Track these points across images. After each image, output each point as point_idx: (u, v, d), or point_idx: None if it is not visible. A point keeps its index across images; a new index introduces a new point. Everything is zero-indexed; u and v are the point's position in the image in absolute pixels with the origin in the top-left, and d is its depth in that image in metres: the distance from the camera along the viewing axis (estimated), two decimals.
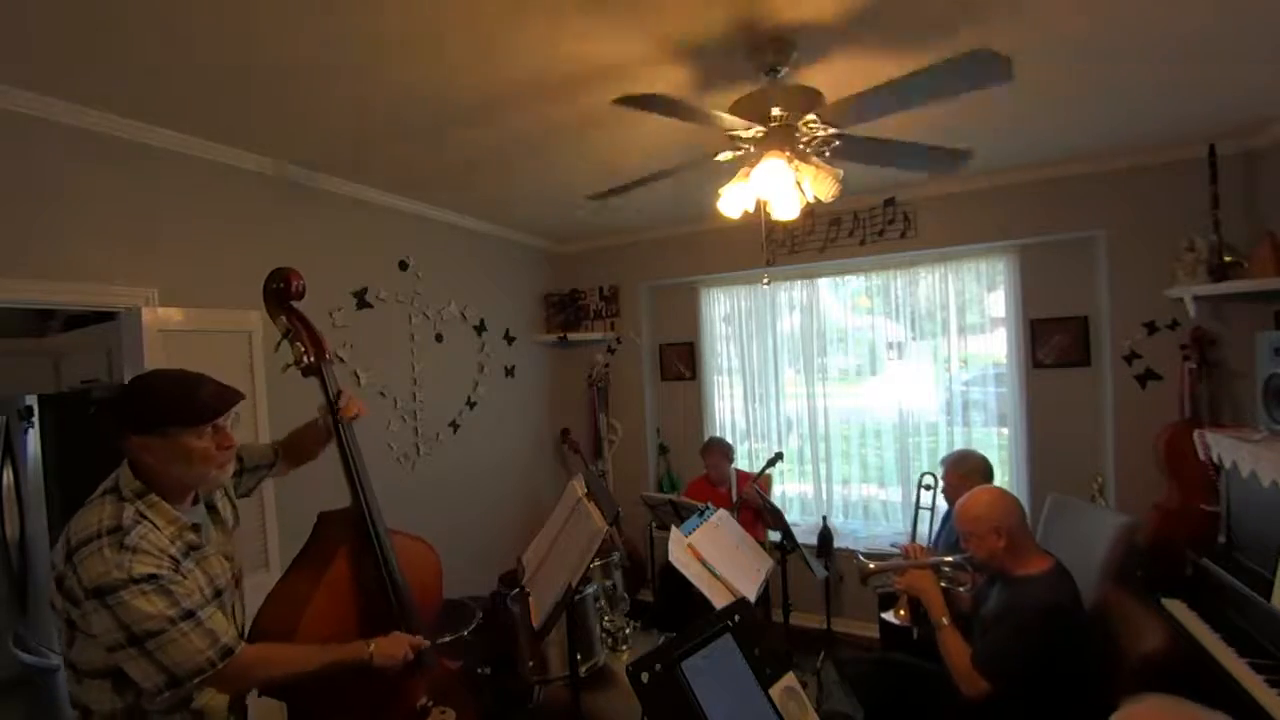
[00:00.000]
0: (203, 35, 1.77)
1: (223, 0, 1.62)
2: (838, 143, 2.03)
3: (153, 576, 1.26)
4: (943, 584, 2.21)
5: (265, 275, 1.68)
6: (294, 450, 1.81)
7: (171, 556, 1.30)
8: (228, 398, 1.41)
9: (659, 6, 1.75)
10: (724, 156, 2.12)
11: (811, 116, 1.92)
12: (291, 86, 2.10)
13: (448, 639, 2.53)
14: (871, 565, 2.35)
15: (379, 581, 1.63)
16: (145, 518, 1.30)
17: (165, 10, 1.64)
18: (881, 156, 2.22)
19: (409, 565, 1.71)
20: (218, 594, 1.40)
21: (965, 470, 2.91)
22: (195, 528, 1.40)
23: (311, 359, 1.65)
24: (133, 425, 1.32)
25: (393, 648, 1.53)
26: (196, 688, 1.30)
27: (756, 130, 1.97)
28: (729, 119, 1.89)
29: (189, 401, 1.34)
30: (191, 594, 1.30)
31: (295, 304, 1.67)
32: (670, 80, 2.15)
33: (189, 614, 1.28)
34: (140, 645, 1.23)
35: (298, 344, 1.65)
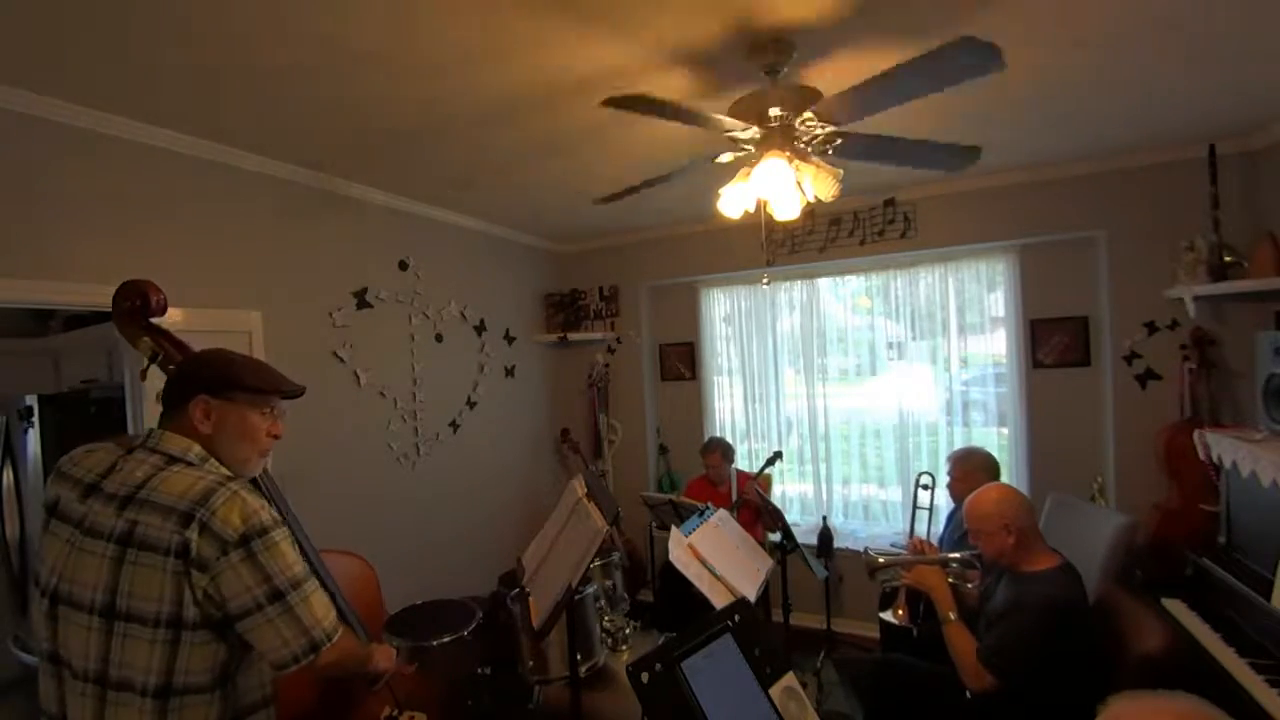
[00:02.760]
0: (204, 35, 1.77)
1: (224, 1, 1.62)
2: (840, 141, 2.03)
3: (284, 524, 1.23)
4: (950, 580, 2.22)
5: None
6: None
7: None
8: (294, 385, 1.43)
9: (652, 16, 1.78)
10: (726, 158, 2.12)
11: (809, 114, 1.92)
12: (293, 88, 2.10)
13: (448, 639, 2.53)
14: (881, 560, 2.37)
15: None
16: None
17: (166, 10, 1.64)
18: (887, 154, 2.21)
19: (346, 584, 1.64)
20: None
21: (971, 466, 2.92)
22: None
23: None
24: (204, 384, 1.30)
25: (387, 653, 1.55)
26: (317, 658, 1.21)
27: (754, 131, 1.97)
28: (727, 120, 1.90)
29: (262, 373, 1.37)
30: None
31: (156, 320, 1.51)
32: (672, 84, 2.16)
33: (307, 571, 1.25)
34: (283, 600, 1.16)
35: (171, 367, 1.48)
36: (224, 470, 1.28)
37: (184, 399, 1.30)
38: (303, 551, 1.52)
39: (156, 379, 1.44)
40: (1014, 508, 2.09)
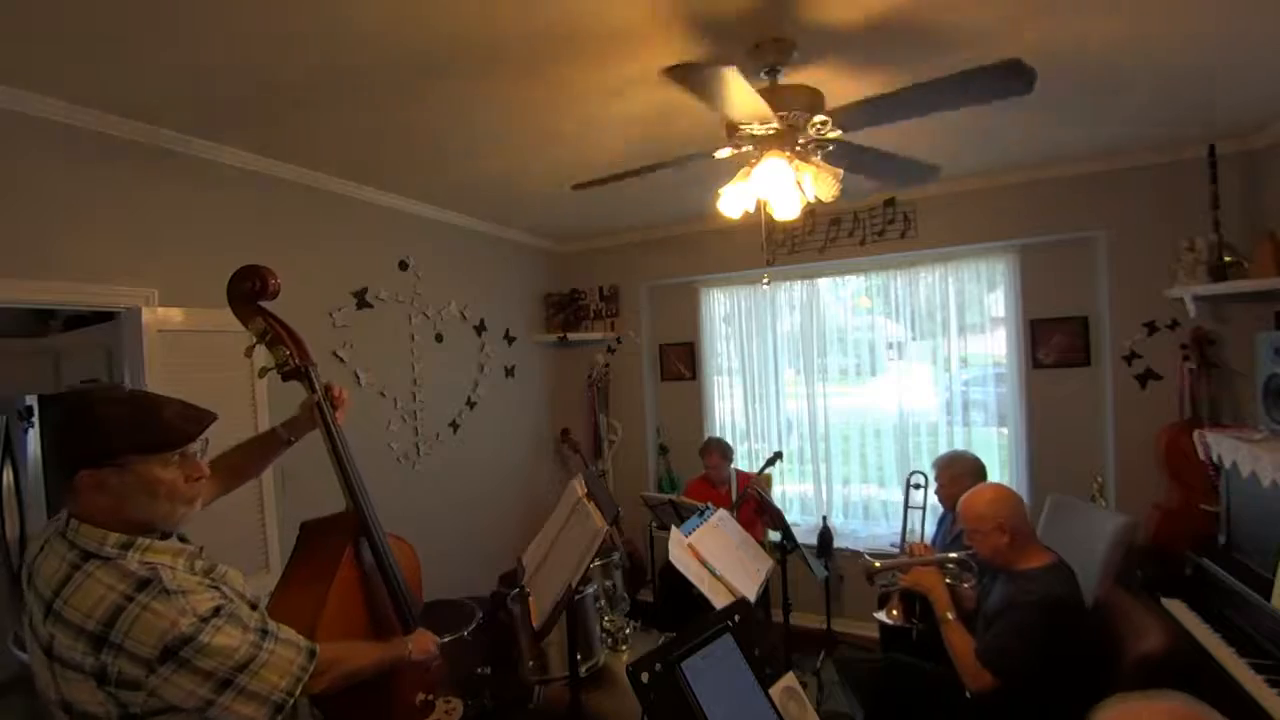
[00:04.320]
0: (205, 36, 1.77)
1: (226, 1, 1.62)
2: (831, 147, 2.02)
3: (218, 609, 1.11)
4: (947, 580, 2.22)
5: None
6: (232, 472, 1.56)
7: (210, 586, 1.16)
8: (198, 419, 1.19)
9: None
10: (723, 154, 2.11)
11: (821, 117, 1.90)
12: (293, 86, 2.10)
13: (447, 639, 2.53)
14: (878, 563, 2.37)
15: (385, 581, 1.62)
16: (152, 564, 1.11)
17: (168, 9, 1.64)
18: (861, 165, 2.21)
19: (400, 562, 1.70)
20: (254, 606, 1.27)
21: (958, 471, 2.92)
22: (201, 550, 1.25)
23: (297, 361, 1.59)
24: (84, 456, 1.09)
25: (426, 643, 1.55)
26: (298, 700, 1.19)
27: (770, 126, 1.91)
28: (763, 108, 1.78)
29: (151, 424, 1.13)
30: (249, 615, 1.18)
31: (265, 304, 1.60)
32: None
33: (263, 632, 1.17)
34: (233, 685, 1.09)
35: (280, 347, 1.56)
36: (145, 557, 1.11)
37: (70, 477, 1.10)
38: (381, 551, 1.58)
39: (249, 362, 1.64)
40: (1008, 507, 2.10)
